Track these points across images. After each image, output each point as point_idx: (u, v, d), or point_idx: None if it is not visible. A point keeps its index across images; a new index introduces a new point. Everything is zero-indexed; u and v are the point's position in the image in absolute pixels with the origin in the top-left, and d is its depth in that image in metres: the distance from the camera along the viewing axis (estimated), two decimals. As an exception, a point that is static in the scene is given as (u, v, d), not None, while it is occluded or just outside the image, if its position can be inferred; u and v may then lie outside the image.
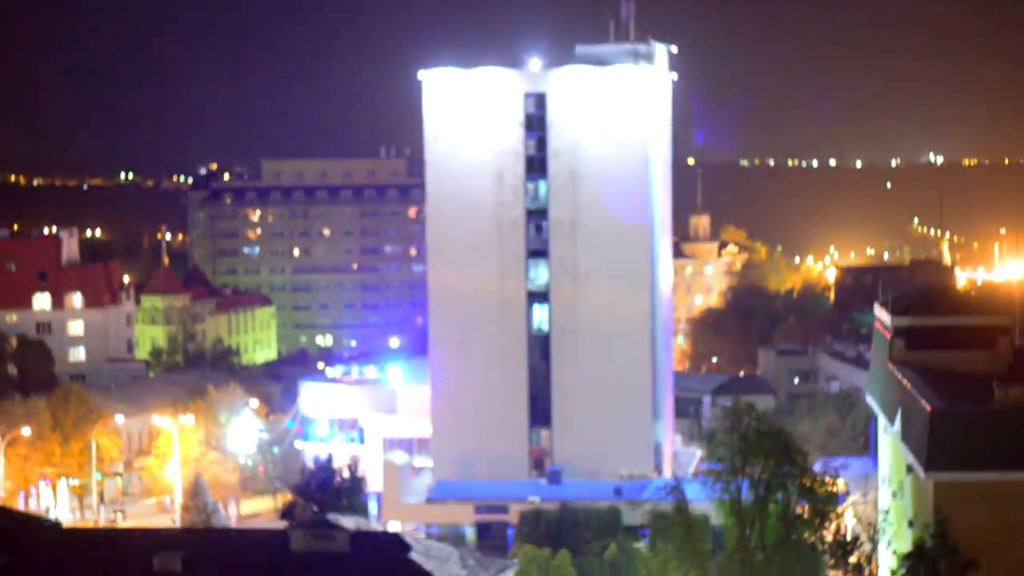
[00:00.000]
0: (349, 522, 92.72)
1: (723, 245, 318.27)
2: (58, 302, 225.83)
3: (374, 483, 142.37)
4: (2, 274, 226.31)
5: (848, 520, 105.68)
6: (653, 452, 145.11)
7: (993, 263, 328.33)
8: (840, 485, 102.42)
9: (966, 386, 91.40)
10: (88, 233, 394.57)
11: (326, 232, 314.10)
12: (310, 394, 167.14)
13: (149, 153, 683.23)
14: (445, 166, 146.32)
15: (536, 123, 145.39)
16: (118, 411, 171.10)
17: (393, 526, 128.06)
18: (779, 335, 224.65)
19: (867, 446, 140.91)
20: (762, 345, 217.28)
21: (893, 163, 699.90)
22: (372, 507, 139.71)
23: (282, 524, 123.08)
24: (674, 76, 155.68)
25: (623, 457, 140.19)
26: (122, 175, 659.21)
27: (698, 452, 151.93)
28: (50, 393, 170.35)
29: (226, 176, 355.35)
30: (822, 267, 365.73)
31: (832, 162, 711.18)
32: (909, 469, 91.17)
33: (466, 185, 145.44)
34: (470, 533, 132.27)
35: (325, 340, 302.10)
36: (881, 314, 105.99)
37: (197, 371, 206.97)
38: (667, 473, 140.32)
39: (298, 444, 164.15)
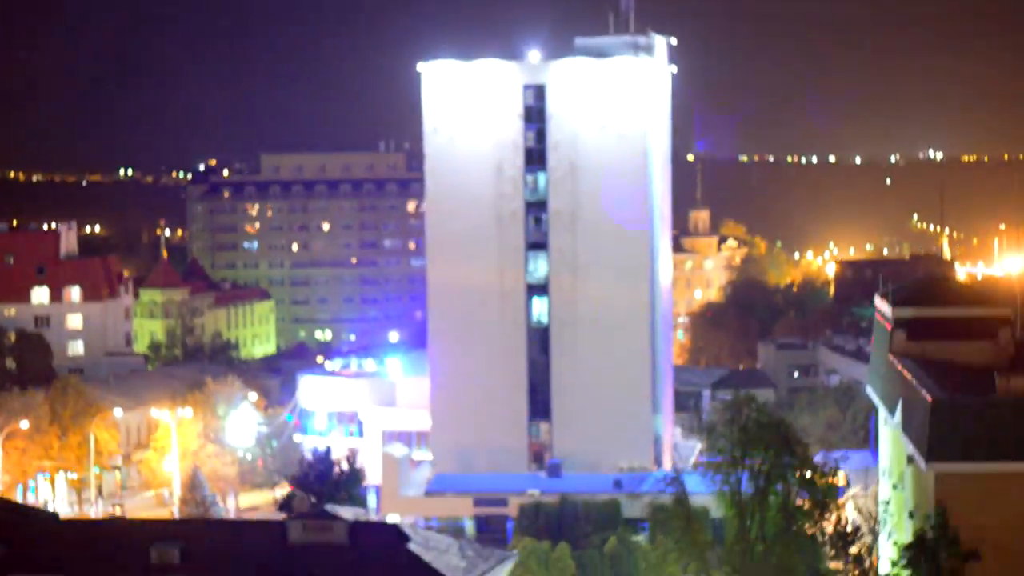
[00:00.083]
0: (348, 513, 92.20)
1: (723, 240, 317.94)
2: (56, 296, 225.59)
3: (373, 476, 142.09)
4: (0, 267, 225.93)
5: (849, 512, 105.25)
6: (653, 445, 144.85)
7: (993, 258, 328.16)
8: (841, 478, 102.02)
9: (967, 377, 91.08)
10: (87, 229, 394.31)
11: (325, 226, 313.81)
12: (309, 387, 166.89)
13: (148, 150, 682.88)
14: (444, 158, 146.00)
15: (535, 115, 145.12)
16: (116, 404, 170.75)
17: (392, 519, 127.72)
18: (779, 329, 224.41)
19: (867, 439, 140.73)
20: (762, 339, 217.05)
21: (893, 159, 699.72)
22: (371, 500, 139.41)
23: (281, 516, 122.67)
24: (673, 68, 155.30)
25: (623, 450, 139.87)
26: (121, 171, 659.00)
27: (698, 445, 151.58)
28: (48, 386, 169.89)
29: (225, 171, 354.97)
30: (822, 262, 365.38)
31: (832, 158, 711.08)
32: (910, 460, 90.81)
33: (465, 177, 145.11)
34: (469, 526, 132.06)
35: (324, 334, 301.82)
36: (882, 305, 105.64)
37: (196, 365, 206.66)
38: (667, 466, 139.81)
39: (297, 437, 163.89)
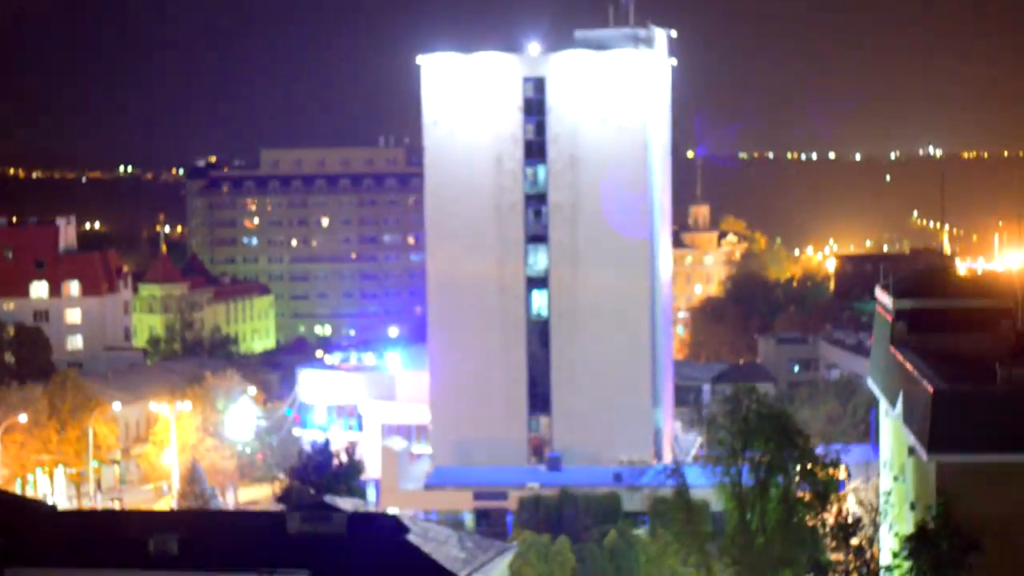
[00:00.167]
0: (347, 504, 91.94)
1: (723, 235, 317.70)
2: (55, 290, 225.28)
3: (372, 470, 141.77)
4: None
5: (850, 504, 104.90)
6: (653, 438, 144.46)
7: (993, 254, 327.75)
8: (842, 471, 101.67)
9: (969, 368, 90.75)
10: (87, 226, 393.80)
11: (324, 221, 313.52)
12: (308, 381, 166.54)
13: (148, 147, 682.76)
14: (444, 151, 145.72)
15: (535, 107, 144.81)
16: (115, 399, 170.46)
17: (391, 512, 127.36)
18: (779, 324, 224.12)
19: (868, 433, 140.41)
20: (762, 333, 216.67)
21: (892, 156, 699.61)
22: (371, 494, 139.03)
23: (280, 508, 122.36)
24: (673, 61, 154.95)
25: (623, 443, 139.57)
26: (121, 169, 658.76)
27: (698, 439, 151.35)
28: (47, 381, 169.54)
29: (224, 167, 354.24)
30: (822, 257, 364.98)
31: (832, 155, 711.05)
32: (911, 451, 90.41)
33: (465, 170, 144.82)
34: (469, 520, 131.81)
35: (324, 329, 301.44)
36: (882, 297, 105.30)
37: (195, 359, 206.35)
38: (667, 459, 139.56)
39: (296, 431, 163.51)
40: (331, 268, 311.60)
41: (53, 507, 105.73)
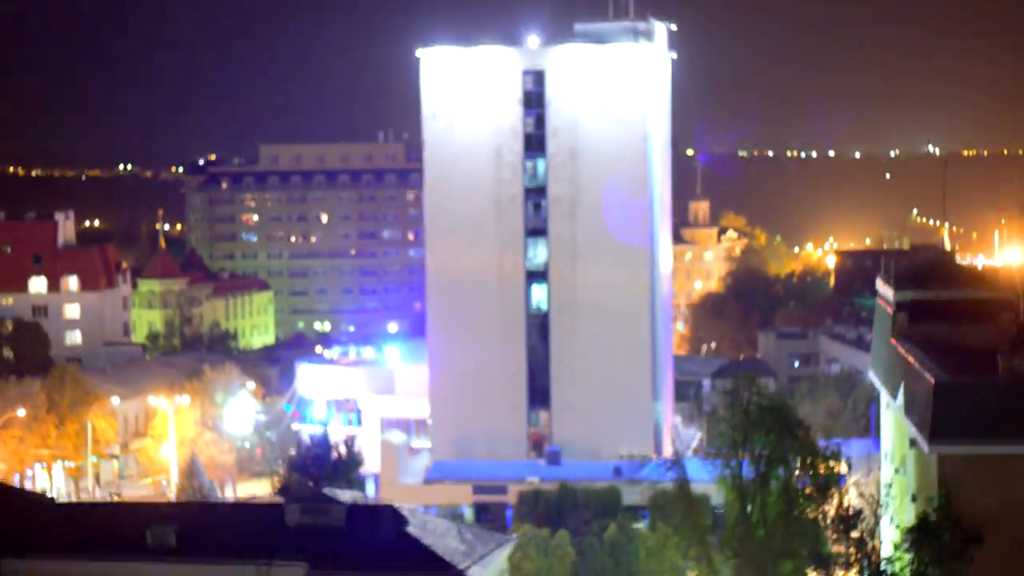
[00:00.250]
0: (346, 496, 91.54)
1: (722, 231, 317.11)
2: (54, 285, 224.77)
3: (372, 464, 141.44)
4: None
5: (851, 496, 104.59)
6: (653, 432, 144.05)
7: (993, 252, 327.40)
8: (843, 465, 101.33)
9: (970, 359, 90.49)
10: (87, 224, 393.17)
11: (324, 217, 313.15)
12: (307, 375, 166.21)
13: (148, 146, 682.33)
14: (443, 144, 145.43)
15: (535, 100, 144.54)
16: (114, 393, 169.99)
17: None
18: (779, 319, 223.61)
19: (868, 427, 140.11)
20: (762, 329, 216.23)
21: (892, 154, 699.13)
22: (370, 489, 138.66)
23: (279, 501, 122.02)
24: (673, 55, 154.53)
25: (623, 437, 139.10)
26: (121, 167, 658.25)
27: (698, 433, 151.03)
28: (45, 375, 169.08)
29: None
30: (822, 253, 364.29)
31: (831, 153, 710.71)
32: (912, 443, 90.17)
33: (464, 163, 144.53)
34: (468, 514, 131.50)
35: (323, 326, 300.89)
36: (883, 289, 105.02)
37: (194, 354, 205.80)
38: (667, 454, 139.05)
39: (295, 426, 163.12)
40: (330, 264, 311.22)
41: (50, 499, 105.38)
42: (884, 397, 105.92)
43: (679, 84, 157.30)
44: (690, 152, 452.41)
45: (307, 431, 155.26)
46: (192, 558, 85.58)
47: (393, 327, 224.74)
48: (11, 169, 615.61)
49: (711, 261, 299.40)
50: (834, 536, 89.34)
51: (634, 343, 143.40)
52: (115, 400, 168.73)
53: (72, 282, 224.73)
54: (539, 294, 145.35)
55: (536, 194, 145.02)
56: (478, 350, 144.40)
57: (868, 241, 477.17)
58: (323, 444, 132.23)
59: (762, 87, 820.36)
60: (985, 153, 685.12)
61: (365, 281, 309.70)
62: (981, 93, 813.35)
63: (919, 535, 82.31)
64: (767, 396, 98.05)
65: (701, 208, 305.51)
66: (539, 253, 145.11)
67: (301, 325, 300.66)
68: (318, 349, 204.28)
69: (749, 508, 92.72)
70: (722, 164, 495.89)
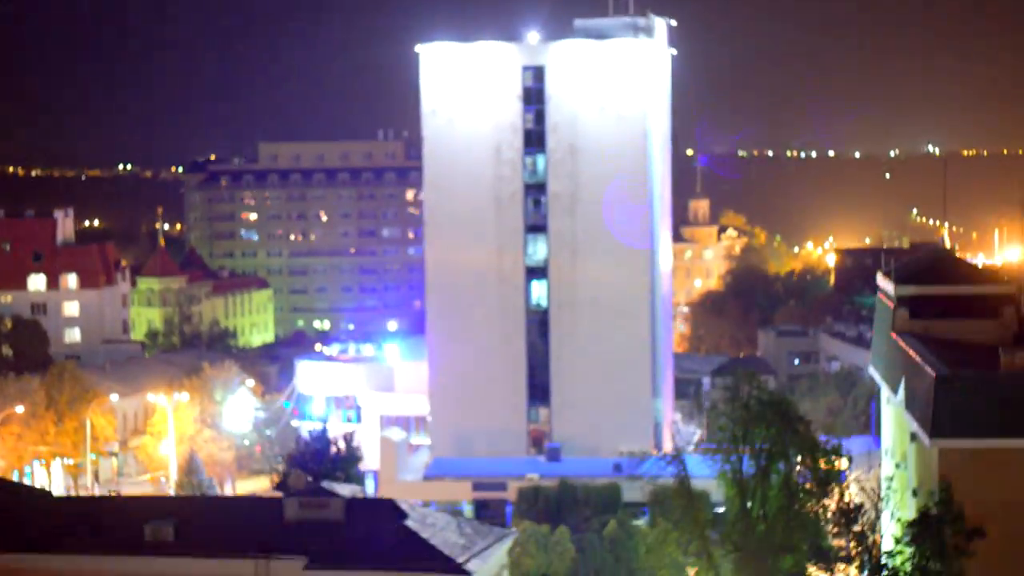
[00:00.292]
0: (345, 490, 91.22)
1: (722, 229, 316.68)
2: (53, 283, 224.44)
3: (371, 461, 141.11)
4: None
5: (851, 491, 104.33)
6: (653, 429, 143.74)
7: (993, 251, 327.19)
8: (844, 462, 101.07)
9: (971, 354, 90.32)
10: (87, 224, 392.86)
11: (323, 215, 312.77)
12: (306, 372, 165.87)
13: (148, 146, 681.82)
14: (443, 141, 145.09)
15: (534, 96, 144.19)
16: (113, 390, 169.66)
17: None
18: (779, 318, 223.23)
19: (868, 425, 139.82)
20: (762, 327, 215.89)
21: (892, 154, 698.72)
22: (369, 486, 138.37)
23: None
24: (673, 51, 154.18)
25: (623, 434, 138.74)
26: (120, 167, 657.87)
27: (698, 431, 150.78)
28: (44, 372, 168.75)
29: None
30: (822, 252, 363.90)
31: (831, 153, 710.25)
32: (913, 438, 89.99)
33: (464, 159, 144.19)
34: (468, 510, 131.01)
35: (323, 324, 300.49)
36: (884, 284, 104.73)
37: (193, 352, 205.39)
38: (667, 450, 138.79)
39: (294, 423, 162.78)
40: (330, 262, 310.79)
41: (48, 494, 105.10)
42: (885, 392, 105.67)
43: (679, 82, 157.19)
44: (690, 152, 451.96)
45: (306, 428, 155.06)
46: (190, 553, 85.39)
47: (393, 325, 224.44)
48: (11, 169, 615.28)
49: (711, 260, 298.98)
50: (835, 530, 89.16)
51: (634, 339, 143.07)
52: (114, 397, 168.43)
53: (71, 280, 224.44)
54: (539, 291, 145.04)
55: (536, 190, 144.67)
56: (478, 347, 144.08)
57: (868, 241, 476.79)
58: (322, 439, 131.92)
59: (762, 87, 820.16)
60: (985, 153, 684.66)
61: (365, 279, 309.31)
62: (981, 93, 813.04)
63: (920, 529, 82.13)
64: (767, 390, 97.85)
65: (701, 206, 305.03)
66: (539, 249, 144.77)
67: (301, 323, 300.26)
68: (318, 347, 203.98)
69: (749, 503, 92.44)
70: (722, 164, 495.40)
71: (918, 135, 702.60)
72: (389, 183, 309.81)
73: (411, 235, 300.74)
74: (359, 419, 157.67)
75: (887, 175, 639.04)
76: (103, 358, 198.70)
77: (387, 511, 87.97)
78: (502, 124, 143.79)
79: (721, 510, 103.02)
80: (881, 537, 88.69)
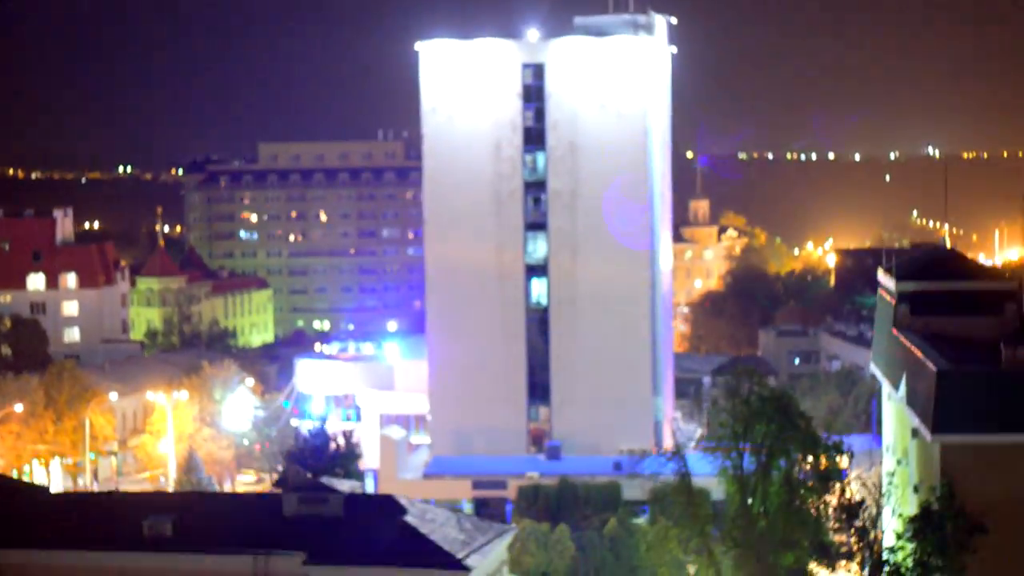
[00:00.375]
0: (344, 486, 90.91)
1: (722, 230, 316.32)
2: (52, 282, 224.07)
3: (371, 460, 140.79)
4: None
5: (853, 487, 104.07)
6: (653, 428, 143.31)
7: (993, 252, 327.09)
8: (844, 460, 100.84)
9: (973, 349, 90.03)
10: (86, 226, 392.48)
11: (323, 215, 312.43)
12: (306, 371, 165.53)
13: (148, 148, 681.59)
14: (443, 138, 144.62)
15: (534, 94, 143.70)
16: (112, 389, 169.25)
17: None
18: (779, 317, 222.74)
19: (869, 424, 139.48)
20: (762, 326, 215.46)
21: (892, 156, 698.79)
22: (369, 485, 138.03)
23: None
24: (673, 49, 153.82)
25: (623, 432, 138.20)
26: (120, 169, 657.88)
27: (698, 429, 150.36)
28: (43, 372, 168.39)
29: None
30: (822, 252, 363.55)
31: (831, 155, 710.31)
32: (915, 433, 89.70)
33: (464, 157, 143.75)
34: (468, 509, 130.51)
35: (322, 324, 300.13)
36: (885, 280, 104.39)
37: (193, 351, 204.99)
38: (667, 447, 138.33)
39: (294, 422, 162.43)
40: (329, 262, 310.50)
41: (46, 490, 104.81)
42: (886, 389, 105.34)
43: (679, 81, 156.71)
44: (690, 155, 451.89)
45: (306, 427, 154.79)
46: (189, 549, 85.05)
47: (393, 325, 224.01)
48: (11, 171, 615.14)
49: (711, 260, 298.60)
50: (836, 526, 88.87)
51: (634, 337, 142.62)
52: (113, 396, 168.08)
53: (70, 279, 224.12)
54: (539, 288, 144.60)
55: (536, 188, 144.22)
56: (478, 345, 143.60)
57: (868, 244, 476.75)
58: (321, 436, 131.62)
59: (761, 89, 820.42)
60: (985, 155, 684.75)
61: (364, 279, 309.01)
62: (981, 96, 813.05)
63: (921, 525, 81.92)
64: (767, 386, 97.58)
65: (701, 207, 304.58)
66: (539, 247, 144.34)
67: (300, 324, 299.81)
68: (317, 347, 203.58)
69: (750, 499, 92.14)
70: (722, 166, 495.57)
71: (918, 137, 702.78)
72: (389, 183, 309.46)
73: (411, 235, 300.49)
74: (359, 418, 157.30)
75: (887, 177, 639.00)
76: (102, 358, 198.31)
77: (386, 507, 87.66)
78: (502, 121, 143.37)
79: (722, 506, 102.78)
80: (882, 533, 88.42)
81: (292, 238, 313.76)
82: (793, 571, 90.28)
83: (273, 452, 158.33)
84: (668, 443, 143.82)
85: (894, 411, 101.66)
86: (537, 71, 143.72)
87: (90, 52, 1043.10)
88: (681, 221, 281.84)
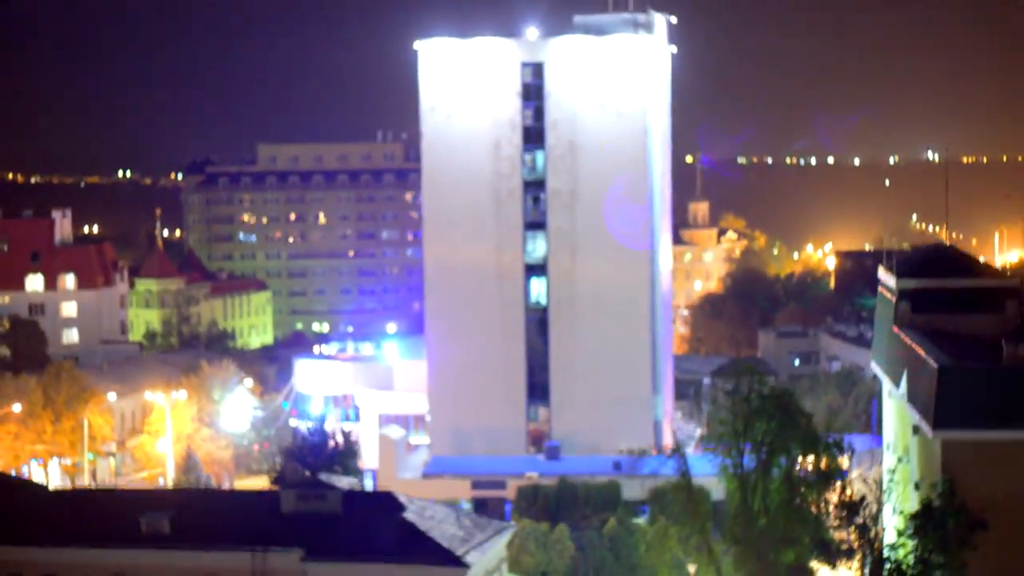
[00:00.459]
0: (343, 483, 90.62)
1: (722, 232, 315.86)
2: (51, 283, 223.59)
3: (370, 460, 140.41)
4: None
5: (854, 484, 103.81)
6: (653, 428, 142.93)
7: (993, 256, 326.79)
8: (845, 461, 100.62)
9: (974, 346, 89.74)
10: (85, 230, 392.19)
11: (322, 217, 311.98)
12: (305, 371, 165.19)
13: (148, 149, 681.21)
14: (441, 137, 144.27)
15: (533, 93, 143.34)
16: (111, 390, 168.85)
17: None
18: (779, 319, 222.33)
19: (869, 424, 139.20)
20: (762, 328, 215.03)
21: (892, 161, 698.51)
22: (368, 485, 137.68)
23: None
24: (673, 48, 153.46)
25: (623, 432, 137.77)
26: (120, 173, 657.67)
27: (698, 430, 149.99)
28: (42, 372, 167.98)
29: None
30: (822, 255, 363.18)
31: (830, 160, 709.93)
32: (916, 430, 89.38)
33: (463, 156, 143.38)
34: (467, 509, 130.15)
35: (321, 326, 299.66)
36: (885, 277, 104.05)
37: (191, 352, 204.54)
38: (667, 446, 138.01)
39: (293, 423, 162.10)
40: (329, 264, 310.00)
41: (44, 487, 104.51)
42: (886, 386, 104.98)
43: (679, 82, 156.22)
44: (689, 159, 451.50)
45: (305, 426, 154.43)
46: (187, 545, 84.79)
47: (392, 328, 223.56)
48: (10, 176, 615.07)
49: (711, 262, 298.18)
50: (836, 524, 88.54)
51: (634, 337, 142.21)
52: (112, 397, 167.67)
53: (69, 280, 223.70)
54: (538, 288, 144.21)
55: (535, 187, 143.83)
56: (477, 344, 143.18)
57: (868, 247, 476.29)
58: (320, 433, 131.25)
59: (760, 93, 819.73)
60: (984, 160, 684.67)
61: (364, 281, 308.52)
62: (981, 99, 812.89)
63: (923, 522, 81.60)
64: (768, 383, 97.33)
65: (700, 209, 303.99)
66: (538, 247, 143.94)
67: (300, 326, 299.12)
68: (316, 349, 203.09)
69: (750, 497, 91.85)
70: (721, 169, 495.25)
71: (918, 142, 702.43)
72: (388, 185, 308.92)
73: (410, 237, 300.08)
74: (357, 418, 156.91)
75: (887, 182, 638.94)
76: (101, 359, 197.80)
77: (385, 503, 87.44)
78: (501, 120, 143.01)
79: (721, 506, 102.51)
80: (883, 530, 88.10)
81: (291, 240, 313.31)
82: (794, 569, 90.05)
83: (272, 452, 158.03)
84: (667, 443, 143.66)
85: (895, 408, 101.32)
86: (536, 70, 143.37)
87: (89, 52, 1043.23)
88: (681, 223, 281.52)
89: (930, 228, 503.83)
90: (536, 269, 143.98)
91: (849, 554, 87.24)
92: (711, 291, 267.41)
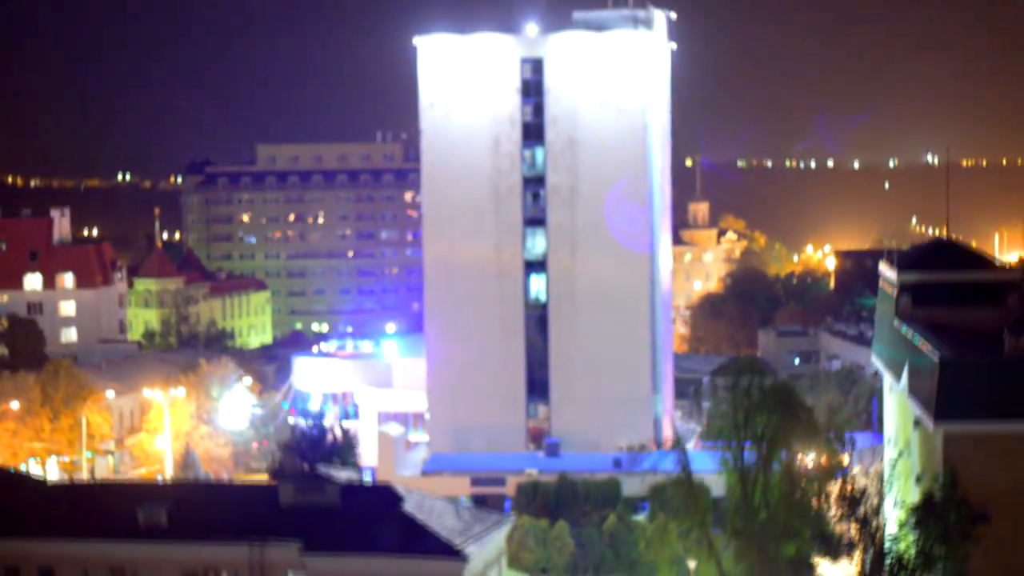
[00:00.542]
0: (341, 476, 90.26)
1: (722, 233, 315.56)
2: (49, 282, 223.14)
3: (369, 458, 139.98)
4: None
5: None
6: (652, 425, 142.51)
7: (993, 257, 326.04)
8: (845, 458, 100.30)
9: (975, 339, 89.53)
10: (85, 232, 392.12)
11: (321, 217, 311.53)
12: (304, 369, 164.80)
13: (148, 148, 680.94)
14: (441, 133, 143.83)
15: (533, 89, 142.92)
16: (109, 388, 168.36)
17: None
18: (779, 319, 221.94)
19: (870, 422, 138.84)
20: (762, 327, 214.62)
21: (891, 164, 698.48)
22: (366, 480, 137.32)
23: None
24: (673, 45, 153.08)
25: (622, 429, 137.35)
26: (120, 176, 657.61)
27: (698, 428, 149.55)
28: (40, 371, 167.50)
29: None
30: (822, 255, 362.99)
31: (830, 163, 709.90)
32: (917, 423, 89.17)
33: (462, 152, 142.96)
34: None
35: (321, 326, 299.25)
36: (886, 271, 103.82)
37: (190, 351, 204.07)
38: (667, 441, 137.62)
39: (291, 420, 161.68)
40: (328, 264, 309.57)
41: (43, 481, 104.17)
42: (887, 380, 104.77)
43: (678, 80, 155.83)
44: (689, 163, 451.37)
45: (303, 423, 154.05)
46: (185, 538, 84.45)
47: (391, 327, 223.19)
48: (9, 179, 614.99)
49: (710, 263, 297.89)
50: (837, 517, 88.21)
51: (634, 334, 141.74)
52: (110, 394, 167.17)
53: (68, 279, 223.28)
54: (538, 284, 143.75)
55: (535, 183, 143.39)
56: (476, 341, 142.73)
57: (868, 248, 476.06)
58: (318, 427, 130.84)
59: (760, 96, 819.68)
60: (984, 163, 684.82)
61: (363, 281, 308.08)
62: (981, 102, 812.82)
63: (924, 514, 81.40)
64: (768, 376, 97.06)
65: (700, 209, 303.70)
66: (538, 243, 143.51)
67: (299, 325, 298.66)
68: (315, 348, 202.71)
69: (751, 491, 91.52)
70: (721, 170, 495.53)
71: (917, 145, 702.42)
72: (387, 185, 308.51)
73: (409, 237, 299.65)
74: (356, 415, 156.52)
75: (886, 185, 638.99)
76: (99, 358, 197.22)
77: (383, 496, 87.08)
78: (500, 117, 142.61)
79: (722, 501, 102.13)
80: (884, 523, 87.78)
81: (290, 240, 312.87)
82: (795, 562, 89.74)
83: (271, 450, 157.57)
84: (667, 437, 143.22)
85: (896, 402, 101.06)
86: (536, 66, 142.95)
87: (89, 52, 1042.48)
88: (681, 224, 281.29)
89: (930, 231, 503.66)
90: (536, 266, 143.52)
91: (850, 547, 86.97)
92: (711, 291, 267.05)
